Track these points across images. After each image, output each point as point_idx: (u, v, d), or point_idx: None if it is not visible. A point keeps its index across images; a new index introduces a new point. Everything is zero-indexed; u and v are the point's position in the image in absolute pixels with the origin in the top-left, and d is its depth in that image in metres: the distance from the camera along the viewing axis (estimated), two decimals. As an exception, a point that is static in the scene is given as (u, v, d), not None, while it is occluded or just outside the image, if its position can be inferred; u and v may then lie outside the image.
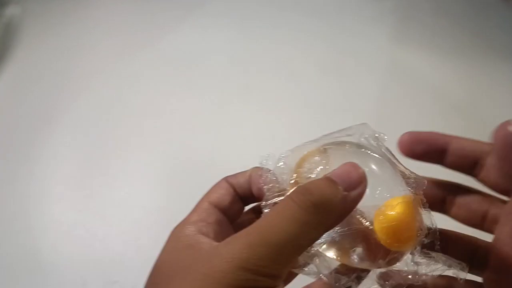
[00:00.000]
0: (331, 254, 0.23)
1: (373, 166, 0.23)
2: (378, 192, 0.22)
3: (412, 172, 0.24)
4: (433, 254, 0.22)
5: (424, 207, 0.23)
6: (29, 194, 0.57)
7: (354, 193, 0.20)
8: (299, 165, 0.24)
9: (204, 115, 0.68)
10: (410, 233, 0.22)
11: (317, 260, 0.22)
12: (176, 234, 0.23)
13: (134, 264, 0.51)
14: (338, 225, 0.21)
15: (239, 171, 0.26)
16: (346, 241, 0.22)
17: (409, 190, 0.23)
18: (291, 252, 0.19)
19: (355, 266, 0.22)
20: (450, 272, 0.22)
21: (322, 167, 0.23)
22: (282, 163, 0.24)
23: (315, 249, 0.22)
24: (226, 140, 0.64)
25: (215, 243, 0.21)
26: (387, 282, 0.22)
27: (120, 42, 0.79)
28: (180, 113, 0.68)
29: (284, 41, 0.81)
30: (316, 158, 0.24)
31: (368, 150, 0.24)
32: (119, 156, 0.62)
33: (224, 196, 0.25)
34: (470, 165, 0.24)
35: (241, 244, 0.19)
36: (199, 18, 0.84)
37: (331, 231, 0.21)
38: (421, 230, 0.22)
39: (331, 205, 0.19)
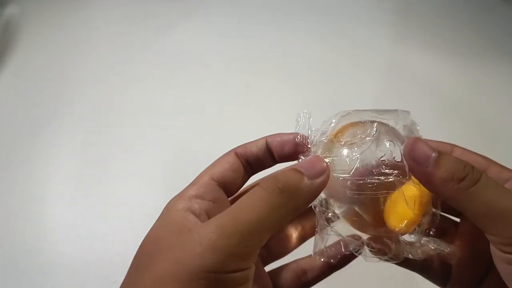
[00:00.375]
0: (344, 221, 0.25)
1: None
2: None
3: None
4: (427, 239, 0.24)
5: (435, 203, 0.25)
6: (29, 194, 0.57)
7: (318, 180, 0.22)
8: (341, 130, 0.26)
9: (204, 115, 0.68)
10: (413, 221, 0.24)
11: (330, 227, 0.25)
12: (169, 208, 0.24)
13: (134, 264, 0.51)
14: (356, 194, 0.23)
15: (248, 142, 0.27)
16: (359, 211, 0.24)
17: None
18: (260, 231, 0.20)
19: (365, 233, 0.25)
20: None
21: (370, 138, 0.25)
22: (332, 123, 0.27)
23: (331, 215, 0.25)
24: (226, 140, 0.64)
25: (199, 224, 0.22)
26: (373, 248, 0.25)
27: (119, 42, 0.79)
28: (180, 113, 0.68)
29: (283, 41, 0.81)
30: (364, 128, 0.26)
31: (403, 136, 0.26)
32: (119, 156, 0.62)
33: (227, 171, 0.25)
34: None
35: (212, 226, 0.19)
36: (199, 18, 0.84)
37: (346, 202, 0.24)
38: (426, 216, 0.24)
39: (295, 189, 0.21)
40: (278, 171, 0.23)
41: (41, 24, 0.82)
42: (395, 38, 0.82)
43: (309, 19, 0.86)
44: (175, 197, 0.24)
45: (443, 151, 0.22)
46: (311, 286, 0.28)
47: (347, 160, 0.24)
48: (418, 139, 0.23)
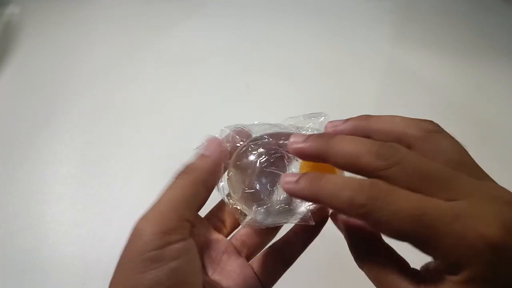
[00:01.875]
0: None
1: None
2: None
3: None
4: None
5: None
6: (29, 194, 0.57)
7: (214, 154, 0.27)
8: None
9: (204, 115, 0.68)
10: None
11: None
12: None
13: (134, 264, 0.51)
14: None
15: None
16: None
17: None
18: (175, 207, 0.24)
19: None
20: None
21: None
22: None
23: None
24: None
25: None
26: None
27: (119, 41, 0.79)
28: (180, 113, 0.68)
29: (283, 41, 0.81)
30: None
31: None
32: (119, 156, 0.62)
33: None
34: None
35: (140, 220, 0.24)
36: (199, 18, 0.84)
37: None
38: None
39: (195, 166, 0.26)
40: None
41: (41, 24, 0.82)
42: (395, 38, 0.82)
43: (309, 19, 0.86)
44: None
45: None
46: (292, 262, 0.30)
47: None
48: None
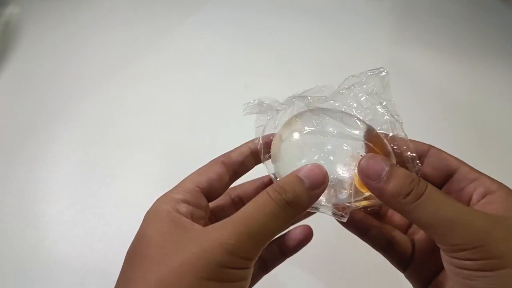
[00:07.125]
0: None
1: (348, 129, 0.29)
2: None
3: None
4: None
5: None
6: (29, 194, 0.57)
7: (317, 191, 0.25)
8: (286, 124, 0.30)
9: (204, 115, 0.68)
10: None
11: None
12: (159, 209, 0.26)
13: (133, 264, 0.51)
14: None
15: (232, 149, 0.30)
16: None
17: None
18: (266, 239, 0.23)
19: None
20: None
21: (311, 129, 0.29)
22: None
23: None
24: (226, 140, 0.64)
25: (200, 226, 0.25)
26: (342, 213, 0.27)
27: (119, 41, 0.79)
28: (180, 113, 0.68)
29: (283, 41, 0.81)
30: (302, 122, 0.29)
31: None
32: (119, 155, 0.62)
33: (213, 181, 0.28)
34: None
35: (230, 232, 0.22)
36: (198, 18, 0.85)
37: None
38: None
39: (300, 202, 0.24)
40: (282, 178, 0.25)
41: (41, 24, 0.82)
42: (395, 38, 0.83)
43: (308, 19, 0.86)
44: (162, 198, 0.27)
45: (392, 165, 0.24)
46: (289, 255, 0.32)
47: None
48: (373, 156, 0.25)
